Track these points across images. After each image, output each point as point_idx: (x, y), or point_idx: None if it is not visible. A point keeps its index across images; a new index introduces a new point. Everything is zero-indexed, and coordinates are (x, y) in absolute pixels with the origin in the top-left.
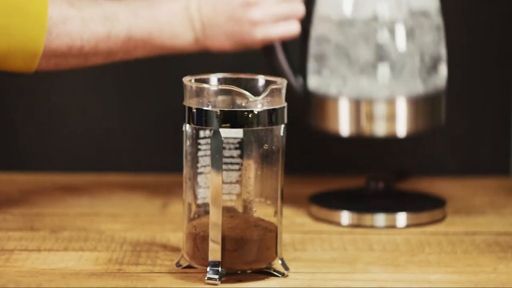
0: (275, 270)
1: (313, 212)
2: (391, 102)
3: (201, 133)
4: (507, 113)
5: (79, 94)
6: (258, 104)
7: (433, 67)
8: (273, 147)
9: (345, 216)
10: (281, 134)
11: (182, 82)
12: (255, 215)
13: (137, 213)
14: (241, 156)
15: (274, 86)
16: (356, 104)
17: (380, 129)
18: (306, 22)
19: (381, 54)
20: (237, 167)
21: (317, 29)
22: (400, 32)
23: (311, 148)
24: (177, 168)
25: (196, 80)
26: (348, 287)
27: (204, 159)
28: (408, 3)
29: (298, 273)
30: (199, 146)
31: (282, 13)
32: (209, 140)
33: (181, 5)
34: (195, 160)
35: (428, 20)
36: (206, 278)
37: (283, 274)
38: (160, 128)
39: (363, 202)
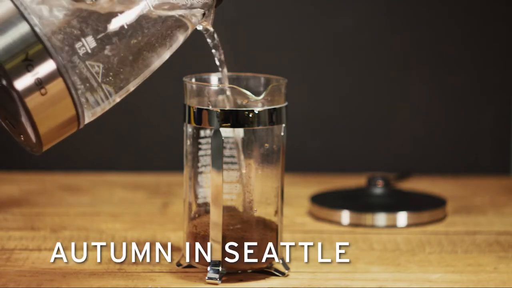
0: (275, 270)
1: (313, 212)
2: None
3: (202, 133)
4: (507, 113)
5: None
6: (259, 104)
7: None
8: (274, 147)
9: (346, 216)
10: (282, 133)
11: (182, 81)
12: (256, 214)
13: (137, 213)
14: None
15: (274, 85)
16: None
17: None
18: None
19: None
20: (237, 166)
21: None
22: None
23: (311, 147)
24: (178, 168)
25: (196, 80)
26: (348, 287)
27: (205, 159)
28: None
29: (298, 272)
30: (200, 146)
31: None
32: (209, 140)
33: None
34: (195, 159)
35: None
36: (206, 278)
37: (283, 274)
38: (160, 128)
39: (364, 202)
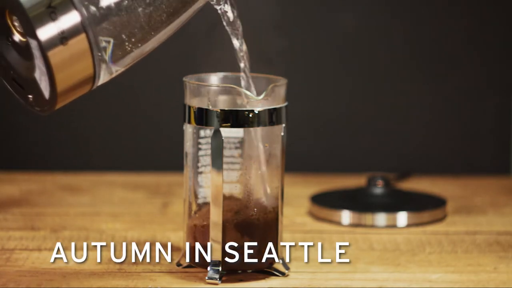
0: (275, 270)
1: (313, 212)
2: None
3: (202, 133)
4: (507, 113)
5: None
6: (259, 104)
7: None
8: (274, 147)
9: (346, 216)
10: (282, 133)
11: (182, 81)
12: (256, 214)
13: (137, 213)
14: (241, 156)
15: (274, 85)
16: None
17: None
18: None
19: None
20: (237, 166)
21: None
22: None
23: (311, 147)
24: (178, 168)
25: (196, 80)
26: (348, 287)
27: (205, 159)
28: None
29: (298, 272)
30: (200, 146)
31: None
32: (209, 140)
33: None
34: (195, 159)
35: None
36: (206, 278)
37: (283, 274)
38: (160, 128)
39: (364, 202)
